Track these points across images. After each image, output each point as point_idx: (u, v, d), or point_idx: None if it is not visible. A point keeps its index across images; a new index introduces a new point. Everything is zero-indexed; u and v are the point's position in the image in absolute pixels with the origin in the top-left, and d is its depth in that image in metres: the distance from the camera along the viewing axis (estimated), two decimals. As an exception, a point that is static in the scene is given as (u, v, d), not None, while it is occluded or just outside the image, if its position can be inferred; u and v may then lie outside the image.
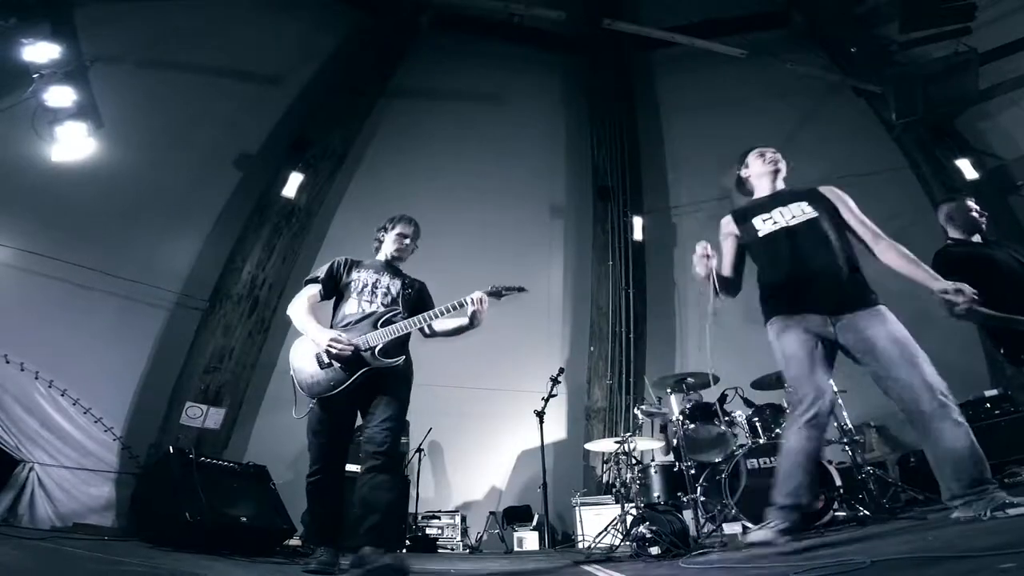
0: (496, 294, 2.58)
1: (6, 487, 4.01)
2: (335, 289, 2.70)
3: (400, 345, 2.55)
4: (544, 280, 7.01)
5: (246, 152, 6.25)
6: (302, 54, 6.64)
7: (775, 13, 7.07)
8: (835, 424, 3.79)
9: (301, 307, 2.60)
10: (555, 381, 5.01)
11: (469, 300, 2.54)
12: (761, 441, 3.49)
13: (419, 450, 5.30)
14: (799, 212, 2.41)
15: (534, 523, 5.04)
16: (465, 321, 2.67)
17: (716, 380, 4.29)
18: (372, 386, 2.48)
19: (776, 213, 2.46)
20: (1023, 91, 5.71)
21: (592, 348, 6.48)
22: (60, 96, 4.43)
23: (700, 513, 3.45)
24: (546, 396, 4.92)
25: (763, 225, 2.47)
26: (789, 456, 2.19)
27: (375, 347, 2.46)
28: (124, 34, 5.29)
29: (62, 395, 4.46)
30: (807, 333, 2.26)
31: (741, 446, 3.60)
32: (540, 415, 4.85)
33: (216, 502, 3.39)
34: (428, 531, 4.90)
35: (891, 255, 2.27)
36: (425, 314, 2.55)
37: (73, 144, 4.62)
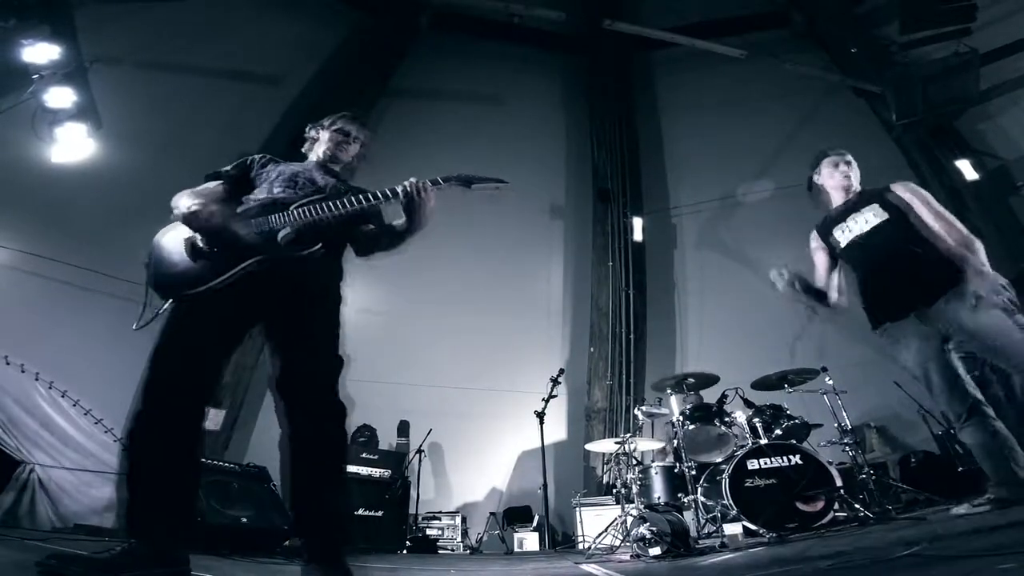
0: (465, 181, 1.90)
1: (7, 488, 4.01)
2: (248, 187, 1.99)
3: (324, 248, 1.77)
4: (544, 281, 7.02)
5: (246, 152, 6.20)
6: (302, 54, 6.64)
7: (775, 13, 7.07)
8: (835, 424, 3.80)
9: (186, 191, 1.89)
10: (555, 382, 5.01)
11: (402, 188, 1.86)
12: (762, 442, 3.49)
13: (419, 451, 5.30)
14: (871, 218, 2.50)
15: (534, 524, 5.03)
16: (401, 221, 1.94)
17: (716, 380, 4.30)
18: (277, 304, 1.74)
19: (851, 222, 2.56)
20: (1023, 91, 5.71)
21: (592, 349, 6.48)
22: (60, 97, 4.43)
23: (700, 514, 3.45)
24: (546, 397, 4.92)
25: (842, 236, 2.60)
26: (975, 453, 2.26)
27: (278, 229, 1.75)
28: (124, 35, 5.30)
29: (63, 396, 4.46)
30: (918, 341, 2.33)
31: (742, 447, 3.60)
32: (540, 416, 4.85)
33: (216, 503, 3.39)
34: (428, 532, 4.90)
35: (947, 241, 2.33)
36: (348, 198, 1.81)
37: (73, 145, 4.63)
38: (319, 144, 2.15)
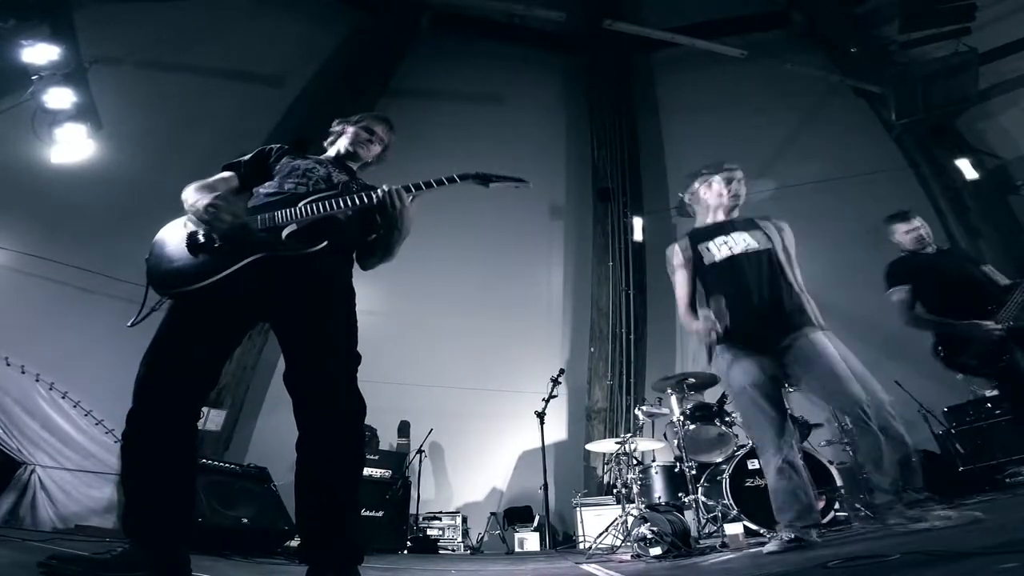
0: (483, 179, 1.83)
1: (8, 489, 4.02)
2: (263, 180, 1.91)
3: (330, 247, 1.70)
4: (544, 281, 7.02)
5: (246, 153, 6.24)
6: (302, 54, 6.64)
7: (775, 13, 7.07)
8: (835, 424, 3.80)
9: (196, 182, 1.84)
10: (555, 382, 5.01)
11: (376, 196, 1.75)
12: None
13: (420, 451, 5.30)
14: (752, 241, 2.46)
15: (535, 524, 5.04)
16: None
17: (716, 380, 4.30)
18: (284, 299, 1.67)
19: (730, 238, 2.50)
20: (1023, 91, 5.71)
21: (592, 349, 6.48)
22: (59, 98, 4.43)
23: (701, 513, 3.46)
24: (547, 397, 4.92)
25: (716, 251, 2.50)
26: (776, 494, 2.25)
27: (283, 227, 1.68)
28: (123, 35, 5.30)
29: (63, 397, 4.46)
30: (760, 370, 2.32)
31: (742, 446, 3.60)
32: (541, 416, 4.85)
33: (217, 503, 3.40)
34: (429, 532, 4.90)
35: None
36: (345, 198, 1.72)
37: (73, 146, 4.62)
38: (342, 139, 2.10)
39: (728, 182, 2.57)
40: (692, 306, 2.53)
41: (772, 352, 2.33)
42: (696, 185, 2.67)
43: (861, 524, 2.96)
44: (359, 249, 1.91)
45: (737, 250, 2.43)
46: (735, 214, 2.59)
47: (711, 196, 2.61)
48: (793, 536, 2.11)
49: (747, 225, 2.53)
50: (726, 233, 2.50)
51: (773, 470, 2.24)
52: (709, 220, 2.61)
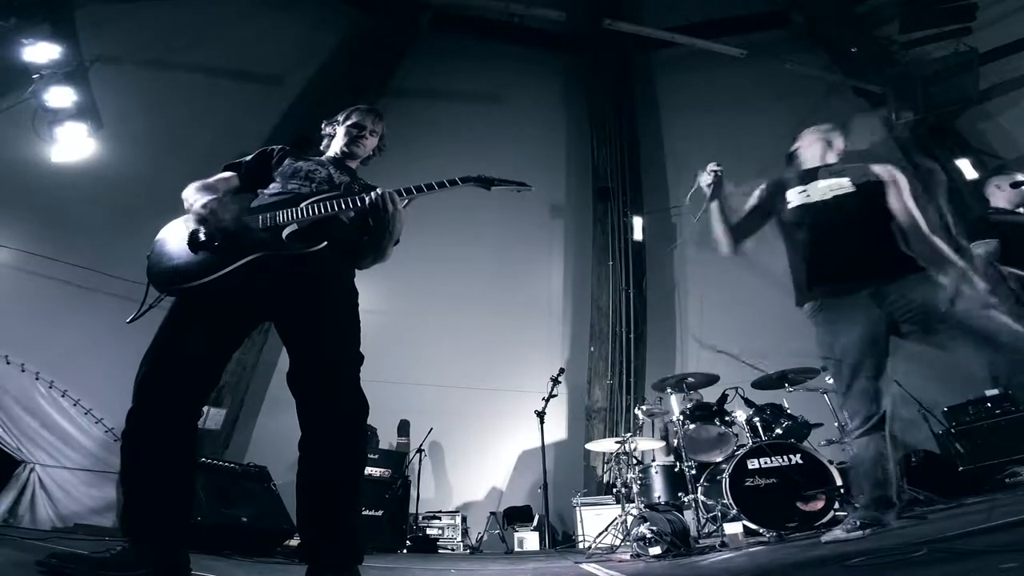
0: (485, 182, 1.82)
1: (7, 488, 4.02)
2: (265, 181, 1.92)
3: (330, 247, 1.72)
4: (544, 280, 7.03)
5: (246, 152, 6.23)
6: (302, 54, 6.65)
7: (775, 13, 7.07)
8: (835, 424, 3.80)
9: (197, 182, 1.86)
10: (555, 381, 5.01)
11: (368, 199, 1.73)
12: (762, 441, 3.49)
13: (420, 450, 5.30)
14: (842, 183, 2.33)
15: (534, 523, 5.04)
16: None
17: (716, 379, 4.30)
18: (286, 298, 1.69)
19: (813, 186, 2.38)
20: (1023, 91, 5.71)
21: (592, 348, 6.48)
22: (60, 97, 4.44)
23: (701, 513, 3.45)
24: (546, 396, 4.92)
25: (796, 197, 2.40)
26: (859, 465, 2.18)
27: (283, 226, 1.70)
28: (124, 34, 5.30)
29: (63, 396, 4.47)
30: (864, 327, 2.13)
31: (742, 446, 3.60)
32: (541, 415, 4.85)
33: (216, 503, 3.40)
34: (429, 531, 4.90)
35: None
36: (342, 200, 1.73)
37: (73, 145, 4.63)
38: (336, 140, 2.09)
39: (823, 132, 2.57)
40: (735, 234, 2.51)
41: (882, 297, 2.11)
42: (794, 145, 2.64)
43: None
44: (354, 249, 1.91)
45: (817, 196, 2.32)
46: (825, 162, 2.50)
47: (806, 148, 2.60)
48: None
49: (841, 171, 2.39)
50: (812, 180, 2.41)
51: (860, 444, 2.15)
52: (803, 168, 2.55)
